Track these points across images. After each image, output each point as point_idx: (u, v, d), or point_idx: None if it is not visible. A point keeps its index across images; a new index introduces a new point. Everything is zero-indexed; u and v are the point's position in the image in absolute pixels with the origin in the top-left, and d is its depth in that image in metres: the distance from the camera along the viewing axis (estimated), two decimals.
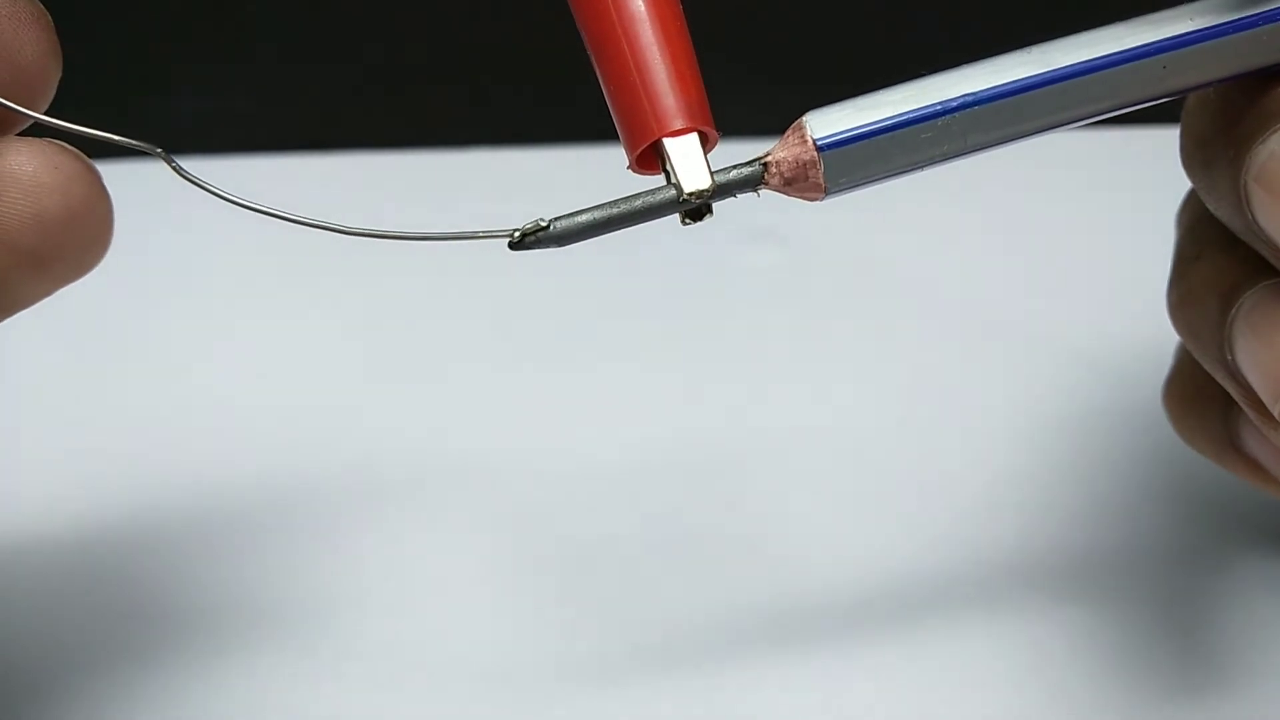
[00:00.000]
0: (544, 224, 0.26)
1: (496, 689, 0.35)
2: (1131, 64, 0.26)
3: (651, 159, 0.26)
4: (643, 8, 0.26)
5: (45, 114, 0.27)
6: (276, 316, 0.45)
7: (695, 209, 0.26)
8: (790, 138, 0.26)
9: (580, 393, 0.43)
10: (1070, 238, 0.47)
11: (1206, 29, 0.27)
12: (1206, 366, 0.30)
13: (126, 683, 0.35)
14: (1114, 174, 0.47)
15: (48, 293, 0.27)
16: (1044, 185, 0.48)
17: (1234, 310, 0.28)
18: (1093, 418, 0.41)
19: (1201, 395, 0.32)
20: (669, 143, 0.25)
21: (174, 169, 0.26)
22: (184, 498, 0.39)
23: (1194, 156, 0.29)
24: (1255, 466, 0.31)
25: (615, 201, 0.26)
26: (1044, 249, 0.47)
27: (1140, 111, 0.27)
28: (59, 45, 0.27)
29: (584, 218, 0.26)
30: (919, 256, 0.47)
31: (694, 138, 0.26)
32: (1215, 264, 0.29)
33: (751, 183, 0.26)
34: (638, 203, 0.26)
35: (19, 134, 0.27)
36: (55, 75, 0.27)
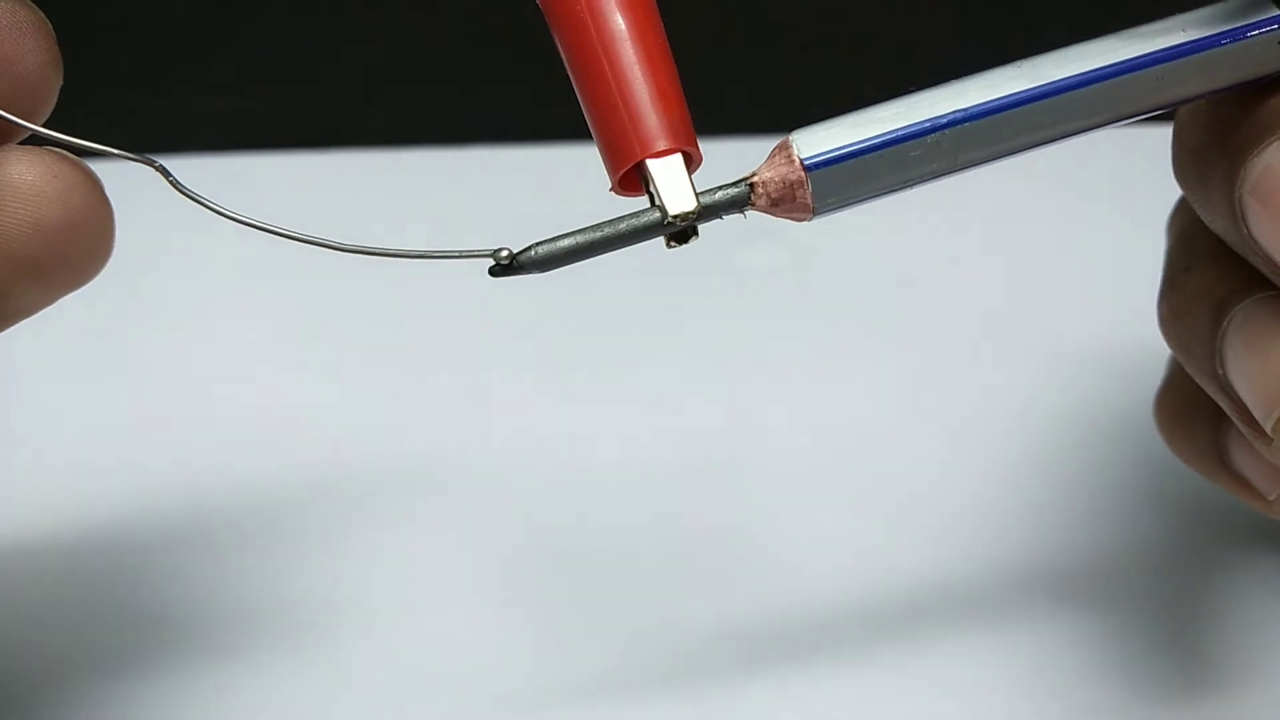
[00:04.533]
0: (525, 250, 0.25)
1: (497, 692, 0.35)
2: (1124, 77, 0.26)
3: (635, 181, 0.25)
4: (623, 26, 0.25)
5: (45, 122, 0.26)
6: (275, 319, 0.45)
7: (680, 231, 0.25)
8: (776, 157, 0.26)
9: (580, 394, 0.43)
10: (1071, 237, 0.47)
11: (1200, 40, 0.26)
12: (1197, 379, 0.29)
13: (126, 688, 0.35)
14: (1115, 173, 0.47)
15: (49, 302, 0.27)
16: (1045, 184, 0.47)
17: (1225, 323, 0.28)
18: (1094, 418, 0.41)
19: (1191, 410, 0.32)
20: (652, 164, 0.25)
21: (170, 182, 0.26)
22: (184, 503, 0.39)
23: (1187, 169, 0.28)
24: (1244, 483, 0.31)
25: (598, 225, 0.25)
26: (1044, 248, 0.47)
27: None
28: (60, 55, 0.26)
29: (566, 242, 0.25)
30: (919, 256, 0.47)
31: (678, 159, 0.25)
32: (1206, 276, 0.29)
33: (738, 204, 0.26)
34: (621, 226, 0.25)
35: (18, 143, 0.27)
36: (56, 85, 0.27)
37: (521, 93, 0.51)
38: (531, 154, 0.50)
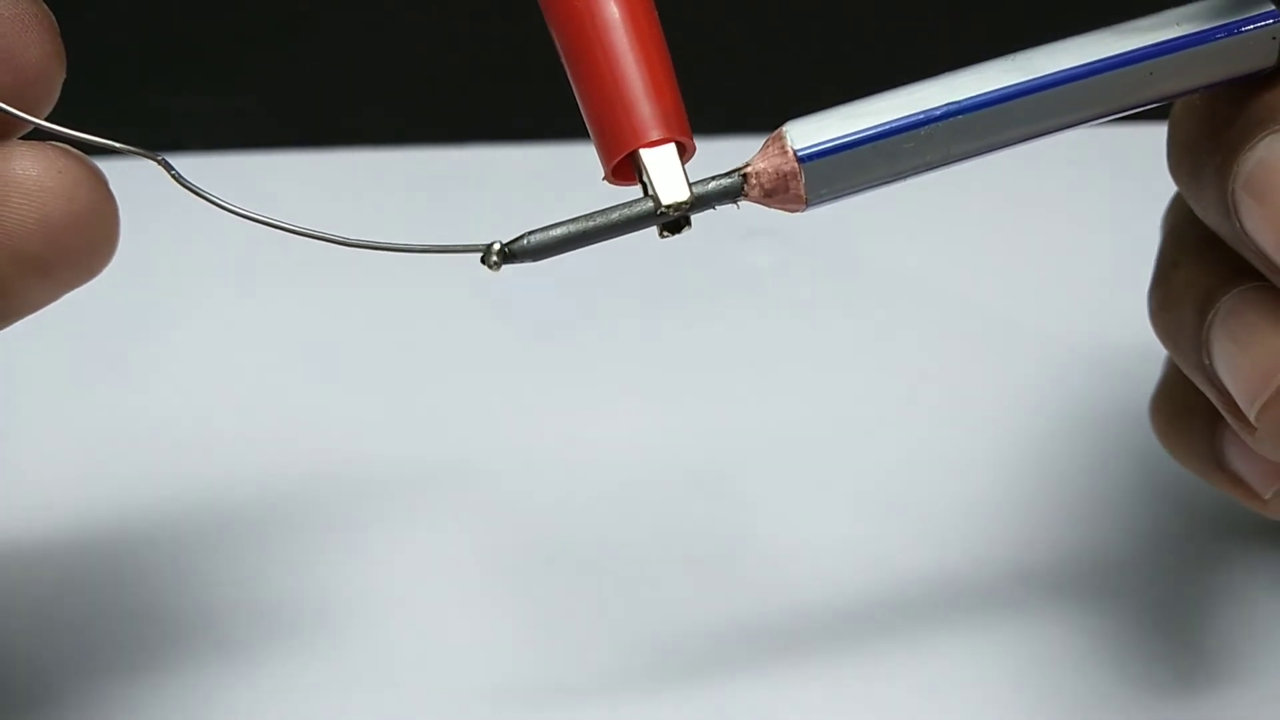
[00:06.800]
0: (518, 238, 0.25)
1: (498, 692, 0.35)
2: (1117, 70, 0.26)
3: (628, 170, 0.25)
4: (617, 15, 0.25)
5: (47, 117, 0.26)
6: (277, 317, 0.45)
7: (673, 221, 0.25)
8: (770, 148, 0.26)
9: (580, 393, 0.42)
10: (1070, 236, 0.47)
11: (1193, 34, 0.26)
12: (1187, 372, 0.29)
13: (126, 687, 0.35)
14: (1114, 172, 0.47)
15: (54, 298, 0.27)
16: (1043, 182, 0.47)
17: (1211, 315, 0.28)
18: (1091, 416, 0.41)
19: (1186, 412, 0.32)
20: (646, 154, 0.25)
21: (173, 176, 0.26)
22: (184, 501, 0.39)
23: (1181, 163, 0.28)
24: (1240, 483, 0.31)
25: (591, 214, 0.25)
26: (1043, 247, 0.47)
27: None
28: (63, 49, 0.26)
29: (559, 231, 0.25)
30: (917, 255, 0.47)
31: (671, 148, 0.25)
32: (1194, 270, 0.29)
33: (731, 194, 0.26)
34: (614, 215, 0.25)
35: (21, 138, 0.27)
36: (59, 79, 0.26)
37: (521, 93, 0.51)
38: (531, 154, 0.50)
